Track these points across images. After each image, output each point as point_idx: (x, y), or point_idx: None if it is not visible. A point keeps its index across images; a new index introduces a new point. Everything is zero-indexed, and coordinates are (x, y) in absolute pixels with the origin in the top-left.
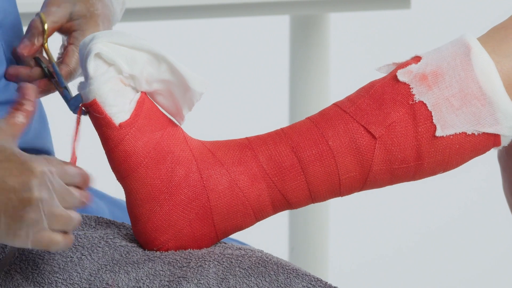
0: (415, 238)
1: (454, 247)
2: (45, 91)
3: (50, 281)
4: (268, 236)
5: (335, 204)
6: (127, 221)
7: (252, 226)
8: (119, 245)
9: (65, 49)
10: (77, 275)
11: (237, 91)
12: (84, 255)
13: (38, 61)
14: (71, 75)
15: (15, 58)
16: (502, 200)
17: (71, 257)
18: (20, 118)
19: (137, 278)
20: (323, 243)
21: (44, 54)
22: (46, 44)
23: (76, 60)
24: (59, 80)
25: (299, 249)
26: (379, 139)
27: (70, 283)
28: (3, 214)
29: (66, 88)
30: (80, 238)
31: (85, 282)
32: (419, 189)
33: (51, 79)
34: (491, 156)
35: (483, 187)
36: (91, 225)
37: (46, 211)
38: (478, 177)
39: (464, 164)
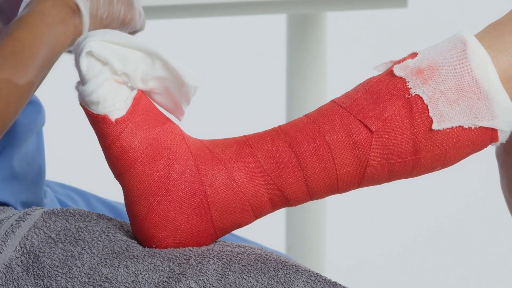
0: (412, 237)
1: (452, 245)
2: None
3: (50, 275)
4: (265, 235)
5: (332, 203)
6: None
7: (249, 225)
8: (120, 239)
9: None
10: (76, 269)
11: (234, 90)
12: (85, 249)
13: None
14: None
15: None
16: (500, 198)
17: (71, 251)
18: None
19: (136, 272)
20: (320, 242)
21: None
22: None
23: None
24: None
25: (296, 248)
26: (376, 133)
27: (69, 277)
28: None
29: None
30: (81, 231)
31: (84, 276)
32: (416, 187)
33: None
34: (489, 154)
35: (481, 185)
36: (93, 218)
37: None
38: (476, 175)
39: (462, 161)
